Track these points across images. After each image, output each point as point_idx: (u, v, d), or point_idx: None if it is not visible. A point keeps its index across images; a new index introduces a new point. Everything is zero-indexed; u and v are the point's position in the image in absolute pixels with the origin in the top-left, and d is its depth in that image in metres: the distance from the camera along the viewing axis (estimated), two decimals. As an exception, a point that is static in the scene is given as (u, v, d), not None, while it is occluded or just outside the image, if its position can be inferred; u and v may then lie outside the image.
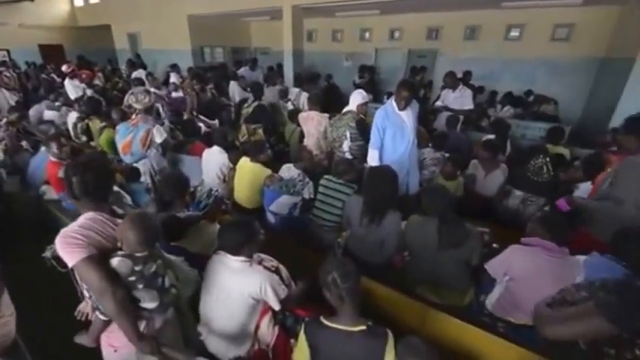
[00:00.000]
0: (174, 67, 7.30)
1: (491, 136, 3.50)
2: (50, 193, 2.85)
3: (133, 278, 1.28)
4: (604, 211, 2.08)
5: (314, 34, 9.22)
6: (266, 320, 1.66)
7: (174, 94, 5.65)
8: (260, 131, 3.73)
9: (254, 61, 7.30)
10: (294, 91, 5.71)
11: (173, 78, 6.66)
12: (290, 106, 5.16)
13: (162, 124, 3.39)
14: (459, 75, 5.01)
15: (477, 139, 3.93)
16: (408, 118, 2.61)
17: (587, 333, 1.04)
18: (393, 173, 2.02)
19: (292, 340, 1.63)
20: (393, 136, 2.64)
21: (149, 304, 1.32)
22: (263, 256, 1.90)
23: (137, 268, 1.28)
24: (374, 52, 8.49)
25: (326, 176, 2.45)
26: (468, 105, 4.30)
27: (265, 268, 1.71)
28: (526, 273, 1.67)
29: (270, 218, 2.68)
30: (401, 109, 2.56)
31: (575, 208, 2.15)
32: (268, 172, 2.68)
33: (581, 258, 1.69)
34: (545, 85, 6.30)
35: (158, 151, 3.08)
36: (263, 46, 10.58)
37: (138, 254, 1.29)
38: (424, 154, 3.08)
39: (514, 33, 6.56)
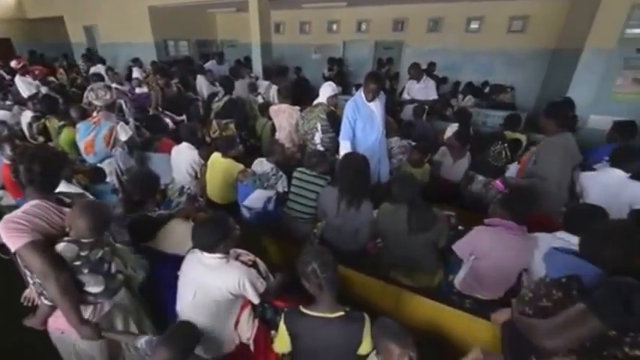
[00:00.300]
0: (137, 62, 6.94)
1: (456, 125, 3.68)
2: (7, 198, 2.65)
3: (78, 263, 1.31)
4: (533, 188, 2.27)
5: (282, 26, 9.08)
6: (245, 315, 1.68)
7: (138, 90, 5.39)
8: (232, 126, 3.65)
9: (221, 55, 7.10)
10: (263, 85, 5.63)
11: (136, 73, 6.34)
12: (260, 99, 5.10)
13: (126, 122, 3.24)
14: (424, 66, 5.19)
15: (441, 127, 4.12)
16: (376, 109, 2.68)
17: (585, 338, 1.02)
18: (365, 158, 2.10)
19: (273, 332, 1.65)
20: (364, 127, 2.71)
21: (94, 288, 1.37)
22: (239, 251, 1.89)
23: (83, 254, 1.32)
24: (342, 44, 8.52)
25: (299, 169, 2.47)
26: (433, 95, 4.49)
27: (242, 263, 1.71)
28: (490, 252, 1.79)
29: (245, 213, 2.67)
30: (369, 100, 2.64)
31: (510, 187, 2.36)
32: (240, 167, 2.66)
33: (539, 235, 1.84)
34: (503, 75, 6.67)
35: (124, 149, 2.94)
36: (230, 38, 10.27)
37: (84, 240, 1.33)
38: (392, 143, 3.18)
39: (474, 25, 6.84)
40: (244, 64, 7.09)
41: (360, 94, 2.68)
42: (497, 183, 2.44)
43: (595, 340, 1.03)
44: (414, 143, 3.22)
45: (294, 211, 2.46)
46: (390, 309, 1.92)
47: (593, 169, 2.53)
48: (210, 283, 1.53)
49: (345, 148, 2.74)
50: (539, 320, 1.16)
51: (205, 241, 1.52)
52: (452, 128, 3.70)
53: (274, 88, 5.06)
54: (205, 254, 1.54)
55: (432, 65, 5.92)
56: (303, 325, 1.36)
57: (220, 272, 1.53)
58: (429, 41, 7.30)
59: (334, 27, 8.45)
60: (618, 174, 2.28)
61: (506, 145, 2.73)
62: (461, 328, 1.81)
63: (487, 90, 6.34)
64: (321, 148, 3.08)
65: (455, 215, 2.40)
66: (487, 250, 1.79)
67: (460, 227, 2.23)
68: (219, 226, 1.54)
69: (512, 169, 2.77)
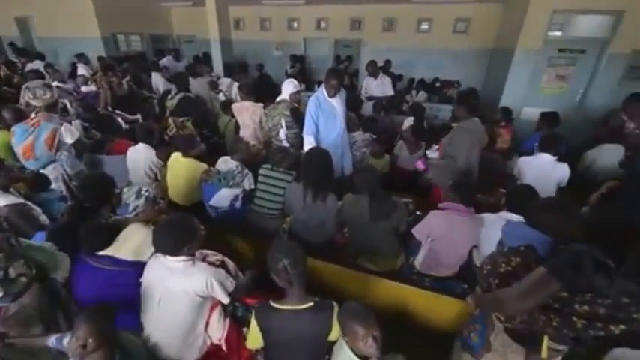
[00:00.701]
0: (82, 57, 6.38)
1: (411, 119, 3.90)
2: None
3: None
4: (448, 167, 2.60)
5: (241, 22, 8.86)
6: (215, 315, 1.66)
7: (84, 88, 5.00)
8: (189, 124, 3.52)
9: (177, 51, 6.79)
10: (225, 82, 5.50)
11: (81, 70, 5.86)
12: (221, 97, 4.98)
13: (71, 123, 3.00)
14: (381, 64, 5.40)
15: (399, 121, 4.36)
16: (338, 104, 2.76)
17: (545, 298, 1.14)
18: (327, 153, 2.19)
19: (245, 329, 1.66)
20: (326, 123, 2.77)
21: None
22: (206, 251, 1.88)
23: None
24: (303, 41, 8.55)
25: (264, 166, 2.47)
26: (389, 91, 4.73)
27: (210, 263, 1.71)
28: (444, 233, 1.96)
29: (212, 213, 2.62)
30: (331, 96, 2.71)
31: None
32: (204, 166, 2.60)
33: (484, 215, 2.03)
34: (451, 72, 7.15)
35: (71, 153, 2.73)
36: (187, 34, 9.79)
37: None
38: (355, 137, 3.29)
39: (424, 26, 7.25)
40: (203, 60, 6.86)
41: (321, 91, 2.75)
42: (419, 163, 2.73)
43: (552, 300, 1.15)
44: (374, 136, 3.36)
45: (261, 207, 2.47)
46: (358, 294, 2.02)
47: (529, 155, 2.85)
48: (177, 288, 1.49)
49: (308, 143, 2.79)
50: (502, 290, 1.25)
51: (168, 245, 1.48)
52: (408, 122, 3.93)
53: (236, 85, 4.96)
54: (169, 258, 1.50)
55: (387, 63, 6.17)
56: (274, 319, 1.38)
57: (186, 275, 1.50)
58: (384, 40, 7.57)
59: (294, 24, 8.43)
60: (547, 158, 2.61)
61: (455, 136, 2.94)
62: (422, 304, 1.98)
63: (438, 85, 6.78)
64: (287, 145, 3.11)
65: (412, 202, 2.57)
66: (442, 231, 1.95)
67: (418, 212, 2.38)
68: (182, 228, 1.51)
69: (435, 151, 3.09)
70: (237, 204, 2.56)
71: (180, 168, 2.64)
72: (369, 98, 4.76)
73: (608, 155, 3.09)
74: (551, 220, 1.39)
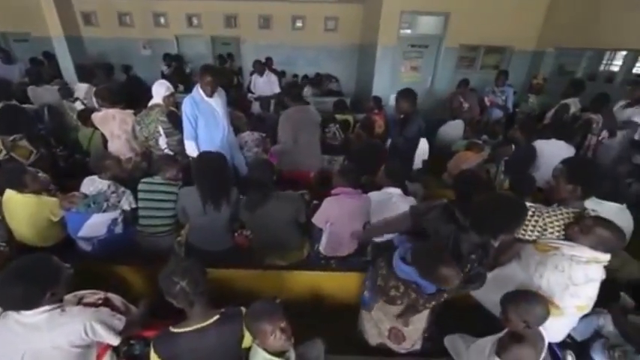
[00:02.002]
0: None
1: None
2: None
3: None
4: (285, 151, 2.99)
5: (93, 16, 7.44)
6: (105, 362, 1.43)
7: None
8: (24, 143, 2.74)
9: (7, 52, 5.31)
10: (82, 88, 4.59)
11: None
12: (79, 105, 4.15)
13: None
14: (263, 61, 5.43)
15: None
16: (217, 104, 2.59)
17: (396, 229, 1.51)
18: (222, 155, 2.09)
19: (146, 366, 1.48)
20: (207, 125, 2.59)
21: None
22: (82, 292, 1.62)
23: None
24: (175, 39, 7.81)
25: (144, 179, 2.21)
26: (276, 89, 4.81)
27: (86, 305, 1.48)
28: (339, 216, 2.11)
29: (84, 246, 2.19)
30: (209, 95, 2.51)
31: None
32: (50, 202, 2.13)
33: (371, 194, 2.27)
34: (329, 67, 7.76)
35: None
36: (16, 30, 7.67)
37: None
38: (244, 137, 3.22)
39: (298, 24, 7.58)
40: (45, 63, 5.54)
41: (197, 90, 2.54)
42: (270, 155, 3.08)
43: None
44: (264, 135, 3.35)
45: (149, 227, 2.21)
46: (274, 292, 2.00)
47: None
48: (44, 345, 1.23)
49: (191, 148, 2.59)
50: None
51: (19, 298, 1.20)
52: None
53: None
54: (25, 313, 1.22)
55: (268, 60, 6.21)
56: (178, 345, 1.26)
57: (55, 327, 1.25)
58: (262, 37, 7.59)
59: (162, 20, 7.58)
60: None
61: (337, 126, 3.22)
62: (333, 285, 2.13)
63: (319, 80, 7.28)
64: (170, 153, 2.82)
65: (307, 192, 2.69)
66: (337, 215, 2.11)
67: (315, 201, 2.51)
68: (36, 272, 1.24)
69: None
70: (118, 228, 2.21)
71: (17, 208, 2.10)
72: (257, 98, 4.73)
73: (452, 129, 3.91)
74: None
